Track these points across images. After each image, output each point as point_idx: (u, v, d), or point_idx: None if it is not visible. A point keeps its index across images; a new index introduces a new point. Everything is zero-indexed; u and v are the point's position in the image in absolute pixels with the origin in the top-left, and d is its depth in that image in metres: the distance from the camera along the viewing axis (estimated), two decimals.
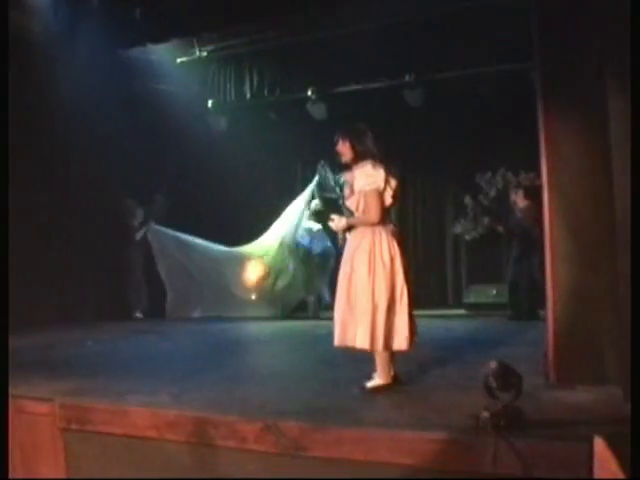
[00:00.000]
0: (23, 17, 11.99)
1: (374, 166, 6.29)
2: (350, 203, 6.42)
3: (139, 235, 14.22)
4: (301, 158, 15.53)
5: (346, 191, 6.51)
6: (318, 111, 13.88)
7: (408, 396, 6.13)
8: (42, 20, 12.06)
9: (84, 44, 12.03)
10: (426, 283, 14.21)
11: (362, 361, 6.61)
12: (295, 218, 13.23)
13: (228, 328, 12.58)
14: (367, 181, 6.25)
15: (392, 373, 6.36)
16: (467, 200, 12.70)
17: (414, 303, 6.35)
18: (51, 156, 12.94)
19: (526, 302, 11.33)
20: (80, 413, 6.32)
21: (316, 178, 12.63)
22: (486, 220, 12.29)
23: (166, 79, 14.52)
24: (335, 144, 6.56)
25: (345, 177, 6.60)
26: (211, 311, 13.84)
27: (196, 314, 13.94)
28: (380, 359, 6.29)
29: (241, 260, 13.88)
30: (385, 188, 6.32)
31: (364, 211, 6.31)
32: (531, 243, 11.30)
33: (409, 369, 6.86)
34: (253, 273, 13.74)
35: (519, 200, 11.66)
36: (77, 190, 13.43)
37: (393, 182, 6.38)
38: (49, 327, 12.53)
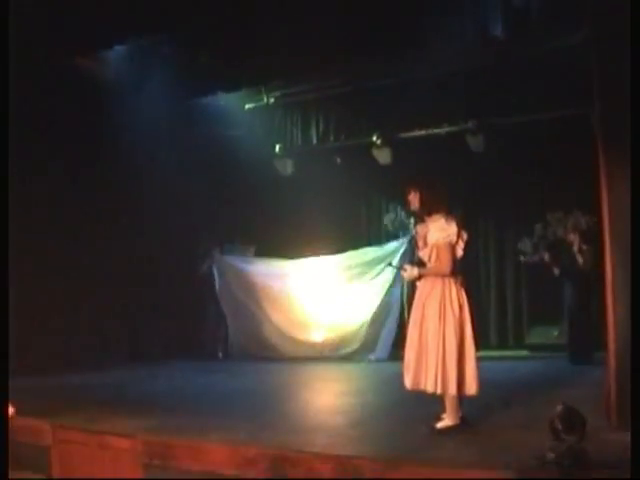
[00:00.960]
0: (98, 66, 12.43)
1: (447, 220, 6.57)
2: (423, 254, 6.70)
3: (204, 267, 14.58)
4: (366, 202, 15.79)
5: (419, 243, 6.78)
6: (383, 156, 14.07)
7: (475, 436, 6.34)
8: (116, 69, 12.41)
9: (156, 92, 12.34)
10: (487, 324, 14.31)
11: (430, 403, 6.80)
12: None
13: (292, 368, 12.81)
14: (441, 235, 6.53)
15: (460, 414, 6.58)
16: (537, 226, 12.73)
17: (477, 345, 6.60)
18: (120, 200, 13.30)
19: (585, 344, 11.39)
20: (162, 449, 6.58)
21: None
22: (546, 256, 12.31)
23: (234, 125, 14.88)
24: (407, 193, 6.83)
25: (417, 229, 6.88)
26: (274, 352, 14.01)
27: (259, 354, 14.01)
28: (449, 402, 6.51)
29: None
30: (457, 241, 6.61)
31: (436, 263, 6.57)
32: (588, 286, 11.42)
33: (475, 410, 7.03)
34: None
35: (576, 242, 11.76)
36: (147, 232, 13.79)
37: (464, 235, 6.68)
38: (120, 365, 12.87)
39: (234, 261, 14.72)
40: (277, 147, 14.97)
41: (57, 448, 7.42)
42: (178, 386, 10.69)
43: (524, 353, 13.27)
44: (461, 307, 6.51)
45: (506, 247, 14.08)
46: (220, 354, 14.46)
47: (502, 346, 14.09)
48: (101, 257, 13.02)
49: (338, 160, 14.97)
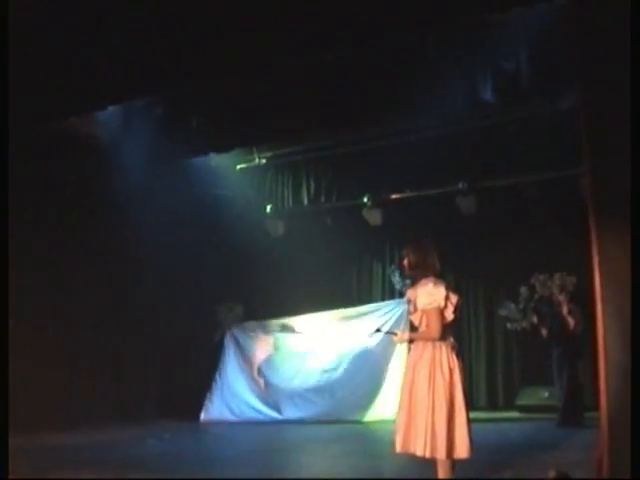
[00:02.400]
0: (90, 126, 12.51)
1: (435, 284, 6.53)
2: (413, 319, 6.69)
3: (217, 337, 14.63)
4: (357, 262, 15.81)
5: (410, 307, 6.78)
6: (373, 217, 14.18)
7: None
8: (109, 129, 12.49)
9: (148, 152, 12.41)
10: (477, 385, 14.29)
11: (422, 466, 6.76)
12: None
13: (275, 430, 12.74)
14: (429, 300, 6.49)
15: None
16: (523, 290, 12.70)
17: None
18: (111, 262, 13.45)
19: (574, 406, 11.37)
20: None
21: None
22: (534, 318, 12.29)
23: (225, 185, 14.97)
24: (402, 258, 6.91)
25: (408, 294, 6.86)
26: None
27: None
28: (442, 468, 6.44)
29: None
30: (446, 305, 6.55)
31: (426, 328, 6.55)
32: (577, 348, 11.44)
33: (467, 475, 7.00)
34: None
35: (565, 304, 11.76)
36: (139, 293, 13.92)
37: (454, 298, 6.61)
38: (109, 423, 12.79)
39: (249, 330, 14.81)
40: (268, 208, 15.05)
41: None
42: (168, 448, 10.57)
43: (514, 414, 13.21)
44: (451, 371, 6.43)
45: (495, 310, 14.06)
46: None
47: (492, 407, 14.04)
48: (93, 314, 13.11)
49: (329, 221, 15.04)
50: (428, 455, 6.32)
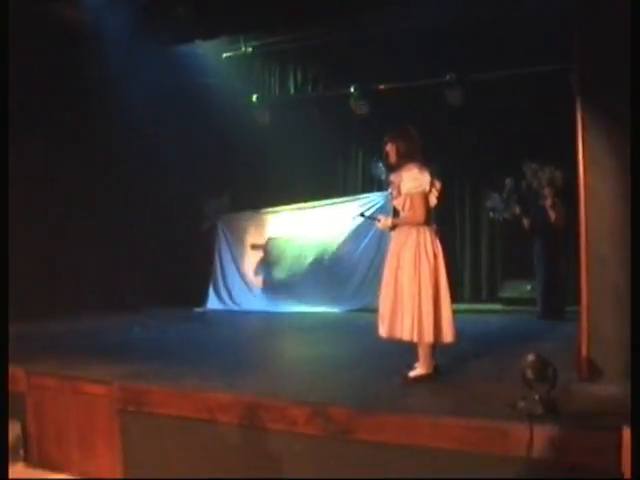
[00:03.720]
0: (77, 11, 12.32)
1: (420, 169, 6.62)
2: (397, 203, 6.79)
3: (206, 225, 14.72)
4: (343, 152, 15.72)
5: (393, 192, 6.84)
6: (360, 107, 14.12)
7: (447, 386, 6.44)
8: (96, 14, 12.30)
9: (134, 40, 12.26)
10: (460, 278, 14.41)
11: (403, 353, 6.92)
12: None
13: (266, 319, 13.02)
14: (414, 184, 6.59)
15: (433, 364, 6.69)
16: (508, 181, 12.65)
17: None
18: (98, 148, 13.53)
19: (555, 300, 11.50)
20: (137, 395, 6.69)
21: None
22: (517, 209, 12.29)
23: (212, 73, 14.81)
24: (384, 145, 6.87)
25: (392, 178, 6.90)
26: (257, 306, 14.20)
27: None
28: (423, 351, 6.61)
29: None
30: (430, 190, 6.68)
31: (410, 212, 6.64)
32: (558, 241, 11.51)
33: (448, 361, 7.14)
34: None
35: (549, 197, 11.77)
36: (125, 180, 13.98)
37: (438, 184, 6.75)
38: (93, 313, 12.95)
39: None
40: (254, 97, 14.94)
41: (31, 394, 7.53)
42: (153, 335, 10.76)
43: (497, 307, 13.37)
44: (435, 256, 6.57)
45: (481, 202, 14.07)
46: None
47: (475, 300, 14.20)
48: (83, 207, 13.23)
49: (315, 110, 14.92)
50: (415, 339, 6.48)
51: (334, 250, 13.67)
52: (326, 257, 13.76)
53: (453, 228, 14.54)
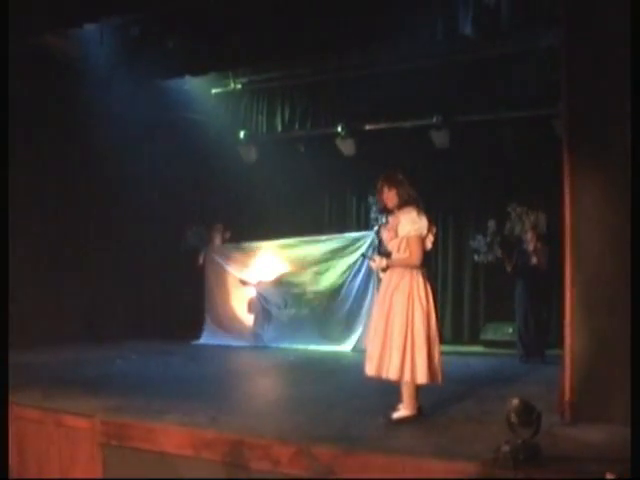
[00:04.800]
0: (67, 44, 12.36)
1: (419, 213, 6.76)
2: (392, 245, 6.87)
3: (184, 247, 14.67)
4: (328, 191, 15.78)
5: (389, 233, 6.93)
6: (347, 147, 14.19)
7: (431, 427, 6.45)
8: (85, 48, 12.33)
9: (124, 73, 12.29)
10: (442, 319, 14.37)
11: (385, 392, 6.99)
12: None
13: (252, 355, 13.04)
14: (413, 227, 6.70)
15: (417, 405, 6.75)
16: (491, 223, 12.71)
17: None
18: (82, 179, 13.50)
19: (535, 343, 11.55)
20: (120, 430, 6.67)
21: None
22: (499, 252, 12.35)
23: (200, 109, 14.85)
24: (379, 192, 6.98)
25: (389, 220, 7.01)
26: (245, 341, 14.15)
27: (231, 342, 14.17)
28: (408, 392, 6.68)
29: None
30: (427, 235, 6.82)
31: (407, 254, 6.74)
32: (540, 285, 11.58)
33: (430, 403, 7.15)
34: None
35: (532, 241, 11.84)
36: (108, 213, 13.96)
37: (434, 229, 6.94)
38: (75, 344, 12.89)
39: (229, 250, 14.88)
40: (242, 133, 14.99)
41: (13, 425, 7.45)
42: (135, 368, 10.75)
43: (479, 349, 13.40)
44: (428, 299, 6.70)
45: (464, 244, 14.13)
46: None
47: (457, 341, 14.20)
48: (64, 235, 13.23)
49: (302, 149, 15.01)
50: (405, 378, 6.57)
51: (323, 289, 13.61)
52: (315, 296, 13.70)
53: (436, 269, 14.56)
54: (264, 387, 9.79)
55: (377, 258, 7.08)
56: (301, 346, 13.47)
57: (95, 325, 13.88)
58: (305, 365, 11.51)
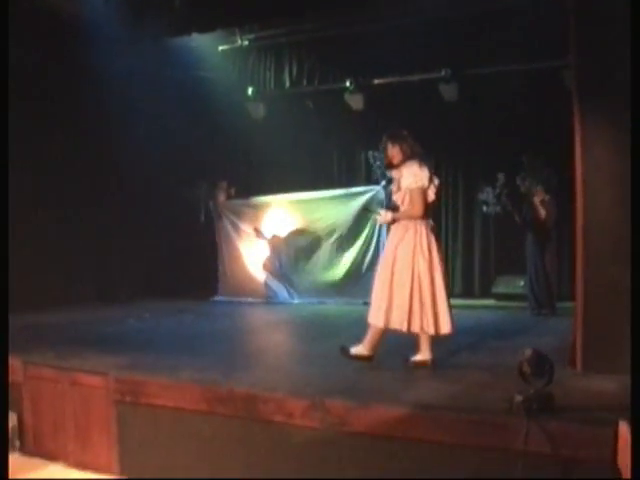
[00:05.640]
0: (71, 4, 12.26)
1: (420, 166, 6.93)
2: (396, 198, 7.06)
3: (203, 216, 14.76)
4: (337, 146, 15.72)
5: (393, 187, 7.10)
6: (356, 101, 14.04)
7: (444, 379, 6.48)
8: (90, 8, 12.24)
9: (129, 32, 12.21)
10: (453, 273, 14.40)
11: (399, 345, 7.14)
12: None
13: (261, 311, 13.14)
14: (414, 179, 6.88)
15: (431, 356, 6.92)
16: (500, 176, 12.68)
17: None
18: (90, 140, 13.43)
19: (545, 295, 11.56)
20: (134, 387, 6.73)
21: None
22: (508, 204, 12.31)
23: (207, 66, 14.77)
24: (384, 146, 7.21)
25: (393, 174, 7.18)
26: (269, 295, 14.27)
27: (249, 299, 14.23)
28: (424, 339, 6.88)
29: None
30: (429, 186, 6.96)
31: (409, 206, 6.91)
32: (548, 238, 11.58)
33: (443, 355, 7.22)
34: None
35: (540, 194, 11.80)
36: (119, 174, 13.98)
37: (436, 181, 7.06)
38: (87, 304, 12.98)
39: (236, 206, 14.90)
40: (249, 90, 14.89)
41: (28, 385, 7.57)
42: (148, 327, 10.80)
43: (490, 302, 13.39)
44: (431, 251, 6.85)
45: (474, 197, 14.06)
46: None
47: (469, 295, 14.22)
48: (75, 196, 13.21)
49: (310, 104, 14.90)
50: (416, 330, 6.78)
51: (332, 243, 13.67)
52: (327, 250, 13.76)
53: (446, 222, 14.56)
54: (276, 342, 9.85)
55: (382, 212, 7.32)
56: (315, 301, 13.59)
57: (107, 286, 13.94)
58: (318, 320, 11.57)
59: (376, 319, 6.91)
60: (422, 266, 6.76)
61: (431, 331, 6.75)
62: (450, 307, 6.90)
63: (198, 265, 14.76)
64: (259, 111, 14.99)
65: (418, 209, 6.86)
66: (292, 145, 14.89)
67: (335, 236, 13.67)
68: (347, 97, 14.09)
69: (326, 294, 13.66)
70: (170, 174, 14.44)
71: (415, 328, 6.76)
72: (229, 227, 14.72)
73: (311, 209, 13.99)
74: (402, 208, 6.99)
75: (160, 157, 13.90)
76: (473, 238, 14.69)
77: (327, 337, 9.55)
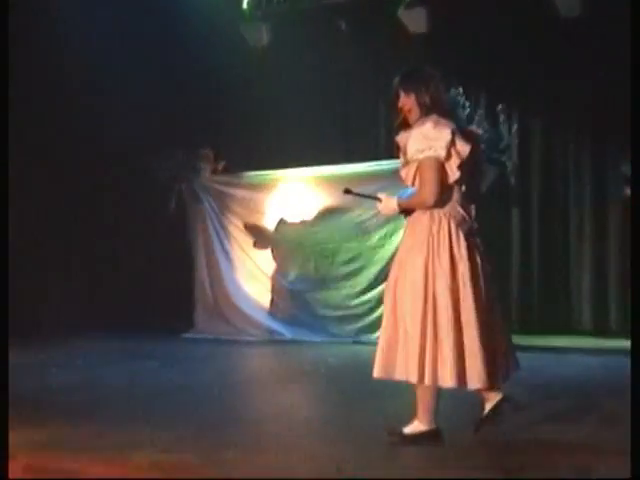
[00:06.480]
0: None
1: (436, 124, 6.36)
2: (404, 175, 6.64)
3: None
4: (384, 94, 15.44)
5: (401, 158, 6.70)
6: (415, 20, 13.83)
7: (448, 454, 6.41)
8: None
9: None
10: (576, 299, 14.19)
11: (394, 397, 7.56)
12: None
13: (259, 353, 13.53)
14: (422, 146, 6.34)
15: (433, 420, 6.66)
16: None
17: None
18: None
19: None
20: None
21: None
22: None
23: None
24: (394, 97, 6.70)
25: (398, 139, 6.74)
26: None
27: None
28: (423, 398, 6.61)
29: None
30: (449, 155, 6.34)
31: (418, 189, 6.45)
32: None
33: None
34: None
35: None
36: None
37: (464, 147, 6.40)
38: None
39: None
40: (245, 2, 14.76)
41: None
42: (83, 379, 10.77)
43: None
44: (454, 259, 6.35)
45: (607, 172, 13.75)
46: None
47: (601, 333, 13.91)
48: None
49: (342, 25, 14.75)
50: (415, 380, 6.42)
51: (374, 247, 13.74)
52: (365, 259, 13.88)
53: (564, 219, 14.42)
54: (289, 406, 9.52)
55: (383, 196, 6.82)
56: (348, 339, 13.59)
57: (20, 316, 13.90)
58: (354, 368, 11.19)
59: (375, 365, 6.67)
60: (440, 284, 6.27)
61: (451, 383, 6.28)
62: (508, 348, 6.65)
63: (165, 284, 14.94)
64: (261, 36, 14.93)
65: (429, 193, 6.29)
66: (310, 91, 14.82)
67: (379, 235, 13.66)
68: (402, 14, 13.89)
69: (365, 329, 13.59)
70: (125, 140, 14.56)
71: (425, 380, 6.32)
72: (212, 222, 14.68)
73: (337, 192, 13.64)
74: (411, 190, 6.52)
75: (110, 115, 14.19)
76: (603, 245, 14.22)
77: (371, 397, 9.19)
